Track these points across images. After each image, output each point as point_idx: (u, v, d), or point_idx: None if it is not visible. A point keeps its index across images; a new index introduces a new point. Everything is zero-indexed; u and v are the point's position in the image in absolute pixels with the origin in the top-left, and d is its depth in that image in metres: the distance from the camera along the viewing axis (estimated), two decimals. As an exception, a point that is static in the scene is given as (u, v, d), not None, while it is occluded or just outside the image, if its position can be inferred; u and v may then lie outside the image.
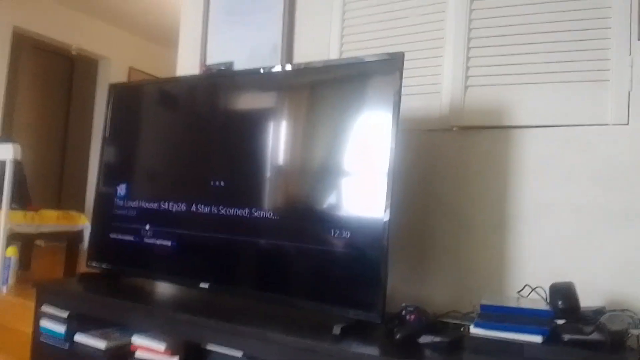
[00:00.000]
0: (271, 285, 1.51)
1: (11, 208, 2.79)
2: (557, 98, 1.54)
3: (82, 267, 2.85)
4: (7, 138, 3.70)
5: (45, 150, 5.03)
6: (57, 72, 4.99)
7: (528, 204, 1.55)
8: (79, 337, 1.66)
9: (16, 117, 4.69)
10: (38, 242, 3.43)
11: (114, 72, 4.93)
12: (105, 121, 1.95)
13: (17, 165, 2.84)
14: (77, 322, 1.68)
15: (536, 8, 1.57)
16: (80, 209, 4.03)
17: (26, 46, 4.69)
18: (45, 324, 1.73)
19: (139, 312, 1.59)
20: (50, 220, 3.08)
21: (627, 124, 1.44)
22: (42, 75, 4.93)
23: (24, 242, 2.94)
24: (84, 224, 3.21)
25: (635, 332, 1.19)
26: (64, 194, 5.19)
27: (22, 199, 3.00)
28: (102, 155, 1.95)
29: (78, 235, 3.19)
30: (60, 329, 1.69)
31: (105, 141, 1.95)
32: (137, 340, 1.56)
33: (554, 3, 1.55)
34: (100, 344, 1.60)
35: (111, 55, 4.96)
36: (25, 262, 2.96)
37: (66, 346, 1.67)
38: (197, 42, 2.26)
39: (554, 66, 1.54)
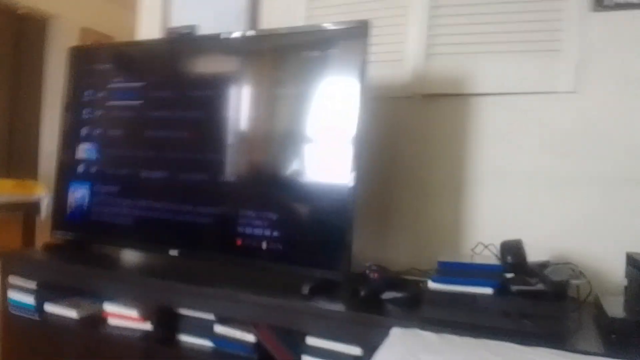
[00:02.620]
0: (240, 249, 1.56)
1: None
2: (512, 67, 1.62)
3: (40, 238, 2.80)
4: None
5: (-8, 115, 4.77)
6: (3, 31, 4.70)
7: (484, 169, 1.65)
8: (50, 307, 1.66)
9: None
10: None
11: (65, 32, 4.68)
12: (66, 86, 1.90)
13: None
14: (46, 292, 1.68)
15: (496, -22, 1.62)
16: (33, 176, 3.90)
17: (-33, 5, 4.38)
18: (13, 295, 1.72)
19: (109, 279, 1.61)
20: (4, 189, 2.99)
21: (575, 92, 1.54)
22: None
23: (-23, 212, 2.85)
24: (40, 193, 3.12)
25: (575, 282, 1.32)
26: (13, 162, 4.99)
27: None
28: (63, 121, 1.90)
29: (35, 205, 3.11)
30: (30, 299, 1.68)
31: (66, 107, 1.91)
32: (109, 307, 1.58)
33: (512, -26, 1.60)
34: (72, 312, 1.62)
35: (62, 13, 4.69)
36: (-21, 233, 2.88)
37: (37, 316, 1.67)
38: (158, 3, 2.20)
39: (511, 36, 1.61)
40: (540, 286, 1.19)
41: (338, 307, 1.33)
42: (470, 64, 1.66)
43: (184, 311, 1.48)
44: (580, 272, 1.37)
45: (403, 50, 1.74)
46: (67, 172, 1.88)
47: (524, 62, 1.60)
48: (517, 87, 1.61)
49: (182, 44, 1.83)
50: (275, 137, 1.57)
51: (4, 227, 3.46)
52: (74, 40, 4.56)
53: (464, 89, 1.67)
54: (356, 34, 1.43)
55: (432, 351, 0.97)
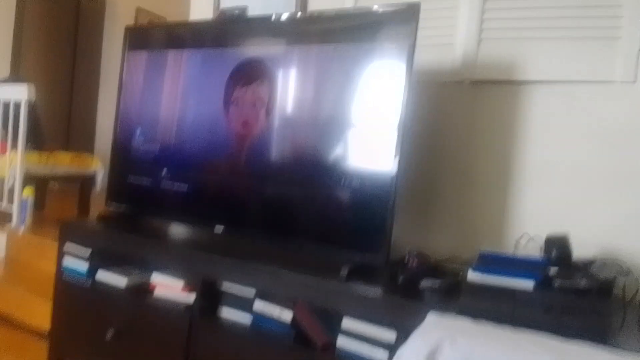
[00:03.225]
0: (283, 229, 1.59)
1: (26, 149, 2.85)
2: (567, 54, 1.55)
3: (95, 209, 2.94)
4: (18, 77, 3.71)
5: (53, 91, 5.02)
6: (64, 12, 4.91)
7: (531, 160, 1.61)
8: (101, 275, 1.76)
9: (23, 58, 4.67)
10: (51, 184, 3.51)
11: (121, 12, 4.85)
12: (122, 65, 1.98)
13: (32, 105, 2.88)
14: (98, 260, 1.78)
15: (554, -38, 1.56)
16: (89, 151, 4.09)
17: (32, -14, 4.59)
18: (68, 261, 1.83)
19: (158, 250, 1.69)
20: (63, 162, 3.14)
21: (634, 81, 1.47)
22: (48, 15, 4.87)
23: (38, 183, 3.02)
24: (96, 167, 3.27)
25: (622, 279, 1.28)
26: (72, 136, 5.24)
27: (36, 140, 3.05)
28: (119, 99, 1.99)
29: (91, 178, 3.27)
30: (83, 266, 1.79)
31: (122, 84, 1.98)
32: (156, 277, 1.66)
33: (572, -43, 1.53)
34: (121, 281, 1.71)
35: (119, -5, 4.86)
36: (39, 203, 3.05)
37: (88, 284, 1.77)
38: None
39: (567, 21, 1.55)
40: (584, 282, 1.16)
41: (375, 291, 1.34)
42: (522, 49, 1.60)
43: (226, 286, 1.53)
44: (628, 270, 1.32)
45: (453, 34, 1.70)
46: (121, 148, 1.96)
47: (580, 49, 1.53)
48: (571, 76, 1.55)
49: (233, 25, 1.86)
50: (321, 119, 1.58)
51: (62, 198, 3.66)
52: (129, 21, 4.72)
53: (515, 76, 1.62)
54: (405, 16, 1.41)
55: (469, 337, 0.97)
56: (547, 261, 1.26)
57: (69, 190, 3.70)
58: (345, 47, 1.55)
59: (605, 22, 1.50)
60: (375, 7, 1.52)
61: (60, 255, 1.85)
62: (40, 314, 2.15)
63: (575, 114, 1.55)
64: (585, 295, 1.12)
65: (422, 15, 1.39)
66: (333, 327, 1.35)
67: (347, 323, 1.32)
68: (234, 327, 1.49)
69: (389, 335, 1.26)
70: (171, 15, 4.13)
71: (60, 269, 1.85)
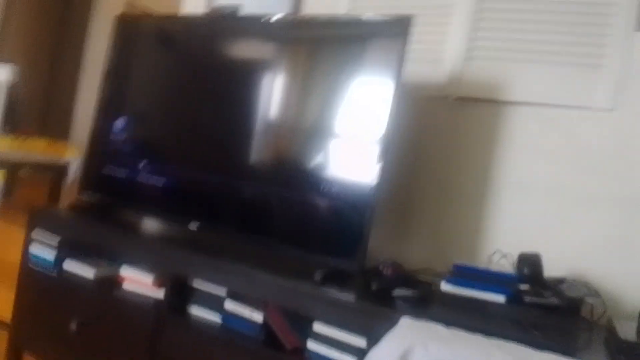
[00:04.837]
0: (260, 229, 1.58)
1: (1, 132, 2.77)
2: (551, 78, 1.59)
3: (65, 200, 2.87)
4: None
5: (32, 75, 4.91)
6: (52, -1, 4.83)
7: (509, 178, 1.64)
8: (68, 265, 1.72)
9: (6, 39, 4.56)
10: (21, 171, 3.42)
11: (111, 2, 4.78)
12: (108, 53, 1.94)
13: (12, 87, 2.80)
14: (66, 249, 1.73)
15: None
16: (65, 138, 3.99)
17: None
18: (35, 249, 1.78)
19: (129, 244, 1.65)
20: (37, 149, 3.07)
21: (612, 109, 1.51)
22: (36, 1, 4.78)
23: (9, 169, 2.93)
24: (71, 156, 3.20)
25: (590, 300, 1.31)
26: (48, 122, 5.13)
27: (12, 122, 2.97)
28: (102, 87, 1.95)
29: (63, 167, 3.19)
30: (50, 254, 1.74)
31: (107, 74, 1.95)
32: (126, 271, 1.62)
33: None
34: (89, 272, 1.67)
35: (109, -16, 4.79)
36: (8, 189, 2.97)
37: (54, 273, 1.72)
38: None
39: (554, 47, 1.59)
40: (554, 300, 1.18)
41: (348, 296, 1.34)
42: (509, 70, 1.64)
43: (198, 284, 1.51)
44: (596, 292, 1.35)
45: (442, 50, 1.73)
46: (99, 137, 1.92)
47: (563, 74, 1.58)
48: (554, 99, 1.59)
49: (223, 23, 1.86)
50: (304, 124, 1.58)
51: (32, 186, 3.56)
52: (119, 10, 4.66)
53: (499, 96, 1.65)
54: (397, 28, 1.42)
55: (441, 341, 0.97)
56: (519, 278, 1.28)
57: (40, 179, 3.60)
58: (334, 54, 1.56)
59: (589, 49, 1.55)
60: (368, 17, 1.54)
61: (28, 241, 1.80)
62: (0, 302, 2.08)
63: (555, 137, 1.59)
64: (554, 312, 1.15)
65: (413, 29, 1.40)
66: (304, 331, 1.34)
67: (318, 327, 1.31)
68: (203, 326, 1.47)
69: (360, 341, 1.25)
70: (163, 10, 4.09)
71: (26, 256, 1.79)
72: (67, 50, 4.97)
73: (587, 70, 1.55)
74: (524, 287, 1.26)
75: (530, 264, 1.35)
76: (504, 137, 1.65)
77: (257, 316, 1.40)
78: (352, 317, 1.28)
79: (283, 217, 1.56)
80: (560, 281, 1.35)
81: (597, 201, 1.52)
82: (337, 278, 1.40)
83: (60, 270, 1.72)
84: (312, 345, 1.31)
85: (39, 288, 1.77)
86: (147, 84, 1.88)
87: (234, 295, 1.44)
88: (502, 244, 1.55)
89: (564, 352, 1.04)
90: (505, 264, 1.43)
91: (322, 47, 1.60)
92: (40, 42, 4.84)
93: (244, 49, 1.75)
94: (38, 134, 3.33)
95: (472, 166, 1.69)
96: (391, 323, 1.14)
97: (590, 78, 1.54)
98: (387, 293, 1.37)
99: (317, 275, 1.37)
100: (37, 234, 1.79)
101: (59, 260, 1.73)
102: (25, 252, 1.80)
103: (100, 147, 1.91)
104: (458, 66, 1.70)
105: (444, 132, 1.74)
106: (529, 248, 1.41)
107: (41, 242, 1.77)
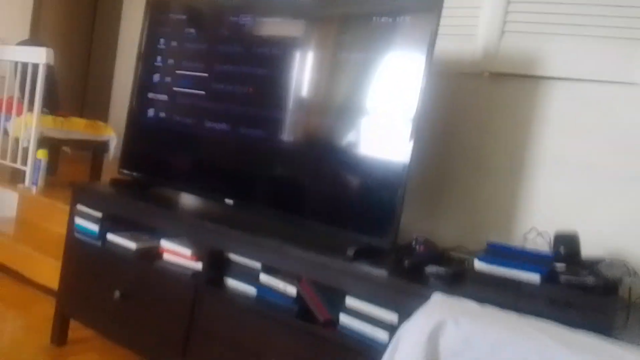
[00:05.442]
0: (293, 207, 1.61)
1: (42, 112, 2.88)
2: (590, 52, 1.54)
3: (106, 176, 2.97)
4: (37, 40, 3.72)
5: (70, 57, 5.04)
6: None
7: (545, 156, 1.60)
8: (111, 237, 1.79)
9: (43, 22, 4.68)
10: (64, 148, 3.54)
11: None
12: (141, 34, 1.98)
13: (50, 69, 2.89)
14: (109, 223, 1.80)
15: (585, -43, 1.54)
16: (103, 119, 4.11)
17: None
18: (79, 221, 1.86)
19: (168, 218, 1.71)
20: (78, 127, 3.17)
21: (657, 85, 1.46)
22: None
23: (51, 146, 3.05)
24: (109, 135, 3.29)
25: (628, 280, 1.28)
26: (87, 103, 5.27)
27: (52, 104, 3.07)
28: (137, 68, 2.00)
29: (104, 145, 3.29)
30: (94, 227, 1.81)
31: (141, 55, 1.99)
32: (166, 244, 1.68)
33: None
34: (131, 244, 1.73)
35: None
36: (52, 166, 3.08)
37: (99, 243, 1.80)
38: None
39: (593, 19, 1.53)
40: (590, 279, 1.16)
41: (380, 272, 1.36)
42: (545, 45, 1.59)
43: (233, 257, 1.55)
44: (635, 272, 1.32)
45: (476, 25, 1.69)
46: (137, 116, 1.98)
47: (603, 48, 1.52)
48: (592, 75, 1.54)
49: (253, 1, 1.85)
50: (336, 102, 1.58)
51: (74, 164, 3.69)
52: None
53: (535, 71, 1.61)
54: (429, 3, 1.40)
55: (472, 316, 0.98)
56: (555, 257, 1.27)
57: (81, 156, 3.73)
58: (365, 31, 1.54)
59: (629, 22, 1.49)
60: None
61: (72, 214, 1.87)
62: (48, 272, 2.20)
63: (592, 113, 1.54)
64: (591, 292, 1.13)
65: (445, 3, 1.38)
66: (336, 305, 1.37)
67: (351, 302, 1.34)
68: (239, 297, 1.51)
69: (391, 316, 1.27)
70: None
71: (71, 226, 1.87)
72: (102, 33, 5.08)
73: (627, 44, 1.49)
74: (560, 266, 1.24)
75: (567, 243, 1.33)
76: (540, 114, 1.62)
77: (291, 289, 1.43)
78: (384, 292, 1.30)
79: (317, 195, 1.58)
80: (598, 261, 1.33)
81: (635, 180, 1.47)
82: (369, 254, 1.41)
83: (104, 241, 1.79)
84: (344, 318, 1.34)
85: (83, 258, 1.85)
86: (180, 62, 1.91)
87: (269, 269, 1.48)
88: (537, 222, 1.53)
89: (599, 331, 1.03)
90: (541, 243, 1.41)
91: (353, 23, 1.58)
92: (76, 26, 4.96)
93: (274, 27, 1.75)
94: (77, 115, 3.44)
95: (507, 143, 1.66)
96: (423, 299, 1.15)
97: (631, 52, 1.48)
98: (419, 270, 1.37)
99: (350, 251, 1.39)
100: (80, 209, 1.86)
101: (103, 232, 1.79)
102: (71, 222, 1.87)
103: (139, 126, 1.97)
104: (492, 41, 1.66)
105: (477, 109, 1.72)
106: (565, 226, 1.39)
107: (85, 215, 1.84)
